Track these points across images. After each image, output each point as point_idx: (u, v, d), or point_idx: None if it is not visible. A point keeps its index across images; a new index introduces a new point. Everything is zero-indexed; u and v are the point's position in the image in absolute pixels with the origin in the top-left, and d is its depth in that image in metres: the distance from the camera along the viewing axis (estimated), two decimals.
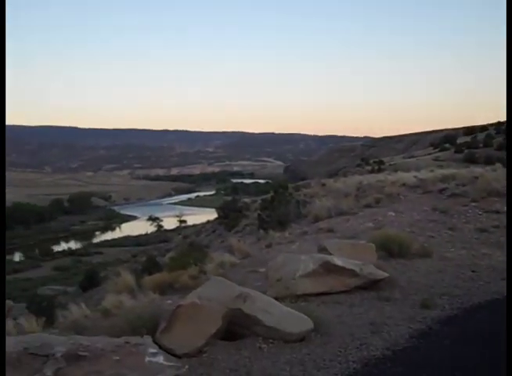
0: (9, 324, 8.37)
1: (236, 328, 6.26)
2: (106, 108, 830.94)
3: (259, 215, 23.16)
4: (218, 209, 37.72)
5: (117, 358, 4.71)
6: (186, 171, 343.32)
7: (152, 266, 19.03)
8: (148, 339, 5.19)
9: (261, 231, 21.26)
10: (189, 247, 25.40)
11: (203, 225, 51.68)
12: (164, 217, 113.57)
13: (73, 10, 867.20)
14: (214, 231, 38.39)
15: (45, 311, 12.78)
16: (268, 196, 29.25)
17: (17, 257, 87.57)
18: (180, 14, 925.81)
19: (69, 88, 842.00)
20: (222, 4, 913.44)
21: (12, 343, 4.76)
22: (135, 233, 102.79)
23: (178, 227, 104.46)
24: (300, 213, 21.91)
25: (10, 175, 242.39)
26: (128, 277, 10.42)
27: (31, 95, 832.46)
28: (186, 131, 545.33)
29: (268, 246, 14.83)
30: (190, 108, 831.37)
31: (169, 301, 8.50)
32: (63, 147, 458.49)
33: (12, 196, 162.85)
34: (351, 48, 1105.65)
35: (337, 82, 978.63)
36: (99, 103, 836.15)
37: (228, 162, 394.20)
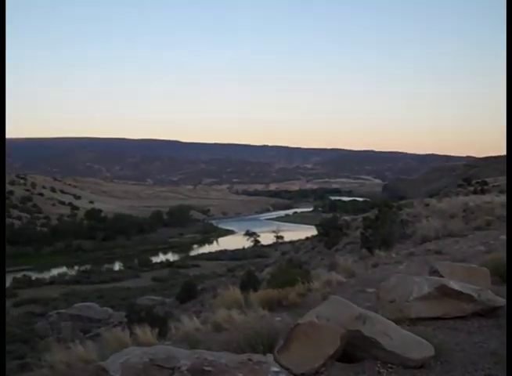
0: (125, 334, 8.40)
1: (354, 350, 5.98)
2: (208, 122, 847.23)
3: (362, 233, 22.71)
4: (318, 226, 37.37)
5: (241, 375, 4.55)
6: (285, 187, 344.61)
7: (251, 281, 18.83)
8: (270, 357, 5.00)
9: (364, 250, 20.83)
10: (288, 263, 25.10)
11: (302, 241, 51.46)
12: (261, 232, 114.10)
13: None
14: (313, 248, 38.06)
15: (158, 321, 12.85)
16: (371, 214, 28.70)
17: (117, 266, 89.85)
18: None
19: (171, 102, 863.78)
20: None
21: (138, 354, 4.68)
22: (232, 247, 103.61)
23: (274, 243, 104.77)
24: (404, 233, 21.36)
25: (113, 186, 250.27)
26: (236, 292, 10.29)
27: (135, 110, 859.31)
28: (286, 147, 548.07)
29: (375, 265, 14.44)
30: (290, 124, 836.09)
31: (278, 319, 8.31)
32: (164, 160, 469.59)
33: (114, 207, 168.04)
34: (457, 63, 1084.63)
35: (438, 99, 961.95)
36: (201, 117, 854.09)
37: (326, 179, 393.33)
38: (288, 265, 20.81)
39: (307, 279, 11.33)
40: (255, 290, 11.88)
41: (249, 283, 17.21)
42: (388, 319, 7.03)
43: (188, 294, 32.42)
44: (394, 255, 15.91)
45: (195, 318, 9.03)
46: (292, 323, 5.83)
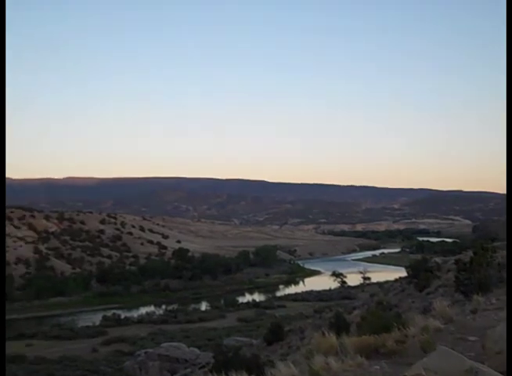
0: None
1: None
2: (295, 163, 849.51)
3: (456, 276, 21.77)
4: (408, 268, 36.32)
5: None
6: (371, 227, 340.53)
7: (340, 324, 18.26)
8: None
9: (459, 294, 19.90)
10: (377, 306, 24.32)
11: (391, 283, 50.27)
12: (348, 273, 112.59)
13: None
14: (403, 290, 36.96)
15: (248, 365, 12.54)
16: (464, 256, 27.63)
17: (203, 306, 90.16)
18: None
19: (257, 142, 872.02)
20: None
21: None
22: (318, 287, 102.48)
23: (361, 284, 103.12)
24: (501, 277, 20.33)
25: (200, 226, 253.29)
26: (331, 337, 9.82)
27: (223, 150, 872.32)
28: (373, 187, 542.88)
29: (473, 311, 13.66)
30: (377, 164, 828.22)
31: (377, 367, 7.82)
32: (251, 200, 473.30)
33: (201, 246, 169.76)
34: None
35: None
36: (288, 157, 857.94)
37: (413, 219, 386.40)
38: (378, 308, 20.07)
39: (403, 324, 10.74)
40: (344, 333, 11.35)
41: (338, 326, 16.66)
42: (497, 371, 6.48)
43: (275, 335, 31.89)
44: (494, 301, 15.06)
45: (291, 364, 8.62)
46: (394, 374, 5.39)
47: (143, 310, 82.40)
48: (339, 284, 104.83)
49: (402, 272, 46.51)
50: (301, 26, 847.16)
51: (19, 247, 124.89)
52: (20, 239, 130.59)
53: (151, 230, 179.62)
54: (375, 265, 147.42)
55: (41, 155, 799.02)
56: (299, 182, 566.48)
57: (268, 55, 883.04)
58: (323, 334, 10.33)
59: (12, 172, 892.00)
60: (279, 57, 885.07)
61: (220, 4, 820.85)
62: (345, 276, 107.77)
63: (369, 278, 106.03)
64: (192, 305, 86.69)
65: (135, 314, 77.09)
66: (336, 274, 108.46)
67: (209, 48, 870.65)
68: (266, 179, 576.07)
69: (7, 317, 74.16)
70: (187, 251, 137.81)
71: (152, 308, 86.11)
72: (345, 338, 9.92)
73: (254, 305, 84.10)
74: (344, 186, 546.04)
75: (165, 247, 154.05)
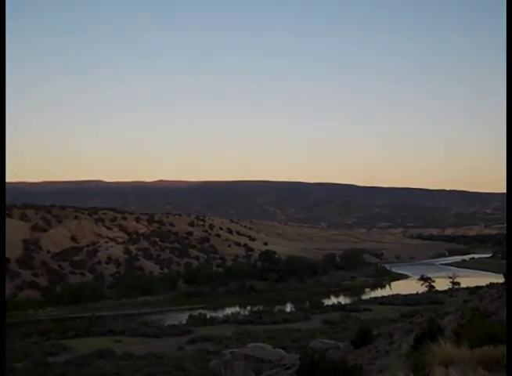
0: None
1: None
2: (383, 167, 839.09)
3: None
4: (505, 274, 35.05)
5: None
6: (461, 231, 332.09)
7: (433, 331, 17.73)
8: None
9: None
10: (473, 313, 23.55)
11: (485, 289, 48.84)
12: (436, 277, 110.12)
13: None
14: (499, 297, 35.66)
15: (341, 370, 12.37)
16: None
17: (288, 308, 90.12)
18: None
19: (344, 145, 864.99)
20: None
21: None
22: (405, 291, 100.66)
23: (450, 289, 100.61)
24: None
25: (287, 229, 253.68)
26: (447, 346, 9.34)
27: (309, 154, 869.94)
28: (464, 191, 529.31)
29: None
30: (469, 167, 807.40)
31: None
32: (339, 204, 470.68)
33: (287, 249, 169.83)
34: None
35: None
36: (376, 161, 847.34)
37: None
38: (474, 316, 19.43)
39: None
40: (439, 340, 10.87)
41: (430, 332, 16.19)
42: None
43: (363, 339, 31.42)
44: None
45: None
46: None
47: (229, 310, 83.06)
48: (426, 289, 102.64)
49: (493, 278, 45.18)
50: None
51: (111, 247, 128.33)
52: (111, 239, 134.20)
53: (238, 233, 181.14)
54: (464, 270, 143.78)
55: (134, 159, 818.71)
56: (388, 186, 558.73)
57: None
58: (436, 342, 9.90)
59: (105, 175, 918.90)
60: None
61: None
62: (433, 281, 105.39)
63: (458, 283, 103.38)
64: (278, 307, 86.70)
65: (220, 314, 77.86)
66: (423, 278, 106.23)
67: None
68: (355, 183, 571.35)
69: (99, 314, 76.43)
70: (274, 253, 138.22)
71: (237, 308, 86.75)
72: (464, 348, 9.46)
73: (339, 307, 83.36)
74: (433, 191, 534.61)
75: (252, 250, 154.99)
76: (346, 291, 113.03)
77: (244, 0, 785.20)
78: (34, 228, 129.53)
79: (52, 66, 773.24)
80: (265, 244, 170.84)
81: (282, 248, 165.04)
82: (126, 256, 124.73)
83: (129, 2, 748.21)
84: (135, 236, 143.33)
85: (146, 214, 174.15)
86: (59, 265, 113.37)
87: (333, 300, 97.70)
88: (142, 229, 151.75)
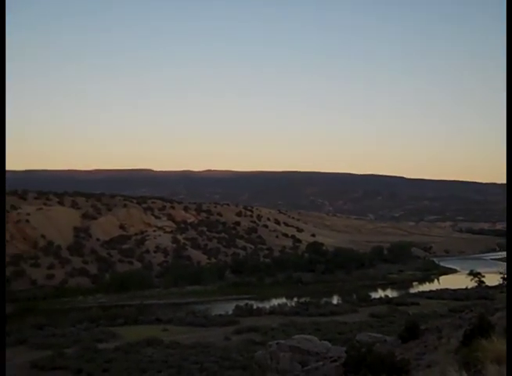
0: None
1: None
2: (433, 158, 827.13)
3: None
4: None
5: None
6: None
7: (484, 327, 17.48)
8: None
9: None
10: None
11: None
12: (486, 272, 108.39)
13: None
14: None
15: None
16: None
17: (335, 300, 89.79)
18: None
19: (395, 136, 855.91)
20: None
21: None
22: (454, 286, 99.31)
23: (500, 285, 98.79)
24: None
25: (335, 220, 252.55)
26: (500, 343, 9.09)
27: (358, 145, 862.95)
28: None
29: None
30: None
31: None
32: (387, 196, 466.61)
33: (335, 241, 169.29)
34: None
35: None
36: (427, 152, 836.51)
37: None
38: None
39: None
40: (481, 337, 10.68)
41: (481, 328, 15.98)
42: None
43: (411, 333, 31.12)
44: None
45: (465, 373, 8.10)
46: None
47: (275, 302, 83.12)
48: (476, 284, 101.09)
49: None
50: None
51: (159, 236, 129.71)
52: (160, 228, 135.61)
53: (286, 224, 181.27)
54: None
55: (183, 149, 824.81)
56: (437, 178, 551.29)
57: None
58: (487, 338, 9.70)
59: (154, 165, 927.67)
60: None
61: None
62: (483, 276, 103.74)
63: None
64: (324, 299, 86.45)
65: (267, 305, 77.95)
66: (473, 273, 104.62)
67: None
68: (403, 175, 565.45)
69: (146, 302, 77.41)
70: (321, 244, 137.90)
71: (284, 300, 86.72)
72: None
73: (386, 301, 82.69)
74: (484, 184, 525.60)
75: (299, 241, 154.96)
76: (393, 285, 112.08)
77: None
78: (85, 216, 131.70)
79: (97, 49, 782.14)
80: (313, 235, 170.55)
81: (329, 240, 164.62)
82: (174, 245, 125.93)
83: None
84: (183, 225, 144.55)
85: (194, 203, 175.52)
86: (108, 253, 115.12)
87: (380, 293, 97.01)
88: (190, 218, 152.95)
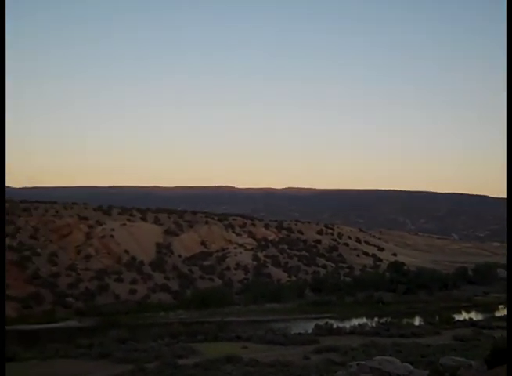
0: None
1: None
2: None
3: None
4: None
5: None
6: None
7: None
8: None
9: None
10: None
11: None
12: None
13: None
14: None
15: None
16: None
17: (417, 321, 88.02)
18: None
19: (475, 156, 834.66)
20: None
21: None
22: None
23: None
24: None
25: (417, 239, 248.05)
26: None
27: (444, 164, 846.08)
28: None
29: None
30: None
31: None
32: (471, 215, 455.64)
33: (417, 260, 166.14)
34: None
35: None
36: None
37: None
38: None
39: None
40: None
41: None
42: None
43: (497, 358, 30.10)
44: None
45: None
46: None
47: (355, 321, 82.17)
48: None
49: None
50: None
51: (239, 253, 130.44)
52: (240, 246, 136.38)
53: (367, 242, 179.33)
54: None
55: (264, 166, 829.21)
56: None
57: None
58: None
59: (235, 182, 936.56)
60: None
61: None
62: None
63: None
64: (406, 320, 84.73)
65: (347, 324, 77.07)
66: None
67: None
68: (488, 194, 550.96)
69: (226, 319, 77.93)
70: (403, 264, 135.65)
71: (364, 319, 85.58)
72: None
73: (470, 323, 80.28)
74: None
75: (380, 260, 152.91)
76: (478, 307, 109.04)
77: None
78: (167, 232, 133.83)
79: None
80: (394, 254, 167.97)
81: (411, 259, 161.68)
82: (254, 263, 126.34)
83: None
84: (263, 242, 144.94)
85: (275, 221, 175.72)
86: (190, 270, 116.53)
87: (464, 315, 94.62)
88: (271, 236, 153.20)
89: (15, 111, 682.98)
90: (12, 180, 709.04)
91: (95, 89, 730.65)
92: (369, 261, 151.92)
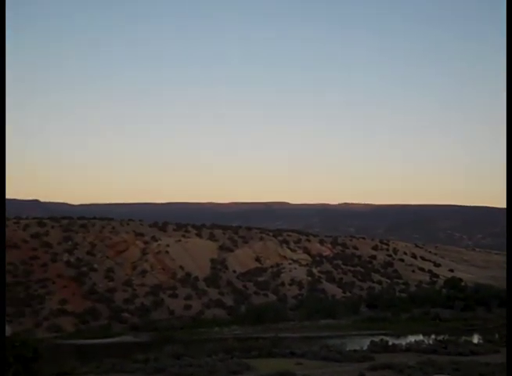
0: None
1: None
2: None
3: None
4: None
5: None
6: None
7: None
8: None
9: None
10: None
11: None
12: None
13: None
14: None
15: None
16: None
17: (476, 339, 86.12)
18: None
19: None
20: None
21: None
22: None
23: None
24: None
25: (474, 255, 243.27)
26: None
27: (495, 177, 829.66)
28: None
29: None
30: None
31: None
32: None
33: (474, 276, 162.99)
34: None
35: None
36: None
37: None
38: None
39: None
40: None
41: None
42: None
43: None
44: None
45: None
46: None
47: (412, 338, 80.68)
48: None
49: None
50: None
51: (294, 269, 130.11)
52: (295, 261, 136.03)
53: (423, 258, 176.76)
54: None
55: (319, 182, 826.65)
56: None
57: None
58: None
59: (290, 198, 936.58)
60: None
61: None
62: None
63: None
64: (464, 337, 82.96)
65: (403, 341, 75.84)
66: None
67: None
68: None
69: (280, 335, 77.65)
70: (460, 280, 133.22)
71: (421, 336, 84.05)
72: None
73: None
74: None
75: (437, 276, 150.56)
76: None
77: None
78: (222, 248, 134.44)
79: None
80: (451, 270, 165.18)
81: (468, 275, 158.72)
82: (309, 278, 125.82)
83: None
84: (318, 258, 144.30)
85: (330, 236, 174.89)
86: (244, 285, 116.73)
87: None
88: (326, 251, 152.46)
89: (77, 133, 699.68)
90: (70, 197, 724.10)
91: (149, 112, 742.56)
92: (425, 277, 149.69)
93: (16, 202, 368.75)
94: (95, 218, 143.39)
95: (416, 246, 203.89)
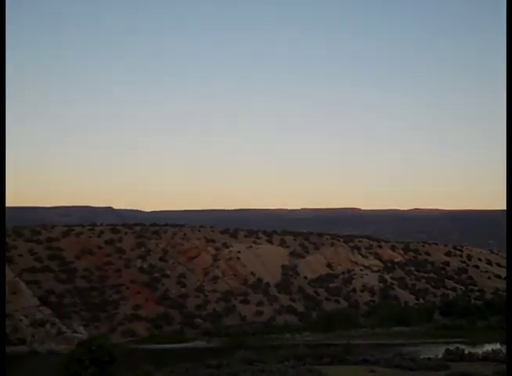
0: None
1: None
2: None
3: None
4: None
5: None
6: None
7: None
8: None
9: None
10: None
11: None
12: None
13: None
14: None
15: None
16: None
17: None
18: None
19: None
20: None
21: None
22: None
23: None
24: None
25: None
26: None
27: None
28: None
29: None
30: None
31: None
32: None
33: None
34: None
35: None
36: None
37: None
38: None
39: None
40: None
41: None
42: None
43: None
44: None
45: None
46: None
47: (489, 347, 78.52)
48: None
49: None
50: None
51: (366, 275, 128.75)
52: (367, 268, 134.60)
53: (499, 264, 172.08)
54: None
55: (391, 188, 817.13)
56: None
57: None
58: None
59: (361, 204, 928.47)
60: None
61: None
62: None
63: None
64: None
65: (479, 350, 73.89)
66: None
67: None
68: None
69: (352, 342, 76.89)
70: None
71: (498, 345, 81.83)
72: None
73: None
74: None
75: None
76: None
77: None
78: (293, 254, 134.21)
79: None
80: None
81: None
82: (381, 285, 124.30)
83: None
84: (390, 264, 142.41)
85: (402, 242, 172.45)
86: (315, 292, 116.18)
87: None
88: (398, 257, 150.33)
89: (151, 141, 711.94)
90: (142, 204, 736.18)
91: (222, 117, 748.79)
92: (502, 284, 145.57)
93: (90, 209, 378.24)
94: (166, 224, 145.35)
95: (492, 252, 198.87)
